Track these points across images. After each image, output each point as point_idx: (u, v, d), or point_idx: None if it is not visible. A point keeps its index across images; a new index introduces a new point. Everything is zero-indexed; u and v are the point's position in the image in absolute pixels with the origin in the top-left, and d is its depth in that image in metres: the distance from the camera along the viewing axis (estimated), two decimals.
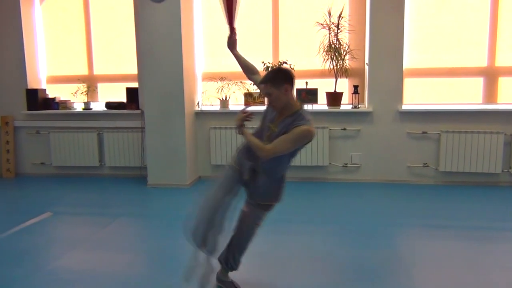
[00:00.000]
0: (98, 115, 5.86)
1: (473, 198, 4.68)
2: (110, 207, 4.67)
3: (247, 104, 5.56)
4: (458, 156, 5.10)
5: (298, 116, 2.44)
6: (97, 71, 6.05)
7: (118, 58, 5.96)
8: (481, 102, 5.28)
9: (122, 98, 5.82)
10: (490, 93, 5.26)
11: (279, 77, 2.44)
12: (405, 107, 5.22)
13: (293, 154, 2.49)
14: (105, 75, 6.05)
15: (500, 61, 5.18)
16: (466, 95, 5.31)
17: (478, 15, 5.17)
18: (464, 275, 2.87)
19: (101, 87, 6.09)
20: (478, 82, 5.27)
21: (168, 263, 3.16)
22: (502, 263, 3.06)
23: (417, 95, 5.35)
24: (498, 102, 5.24)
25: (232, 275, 2.74)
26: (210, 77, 5.67)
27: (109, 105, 5.79)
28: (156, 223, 4.10)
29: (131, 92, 5.72)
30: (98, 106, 5.99)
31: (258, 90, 5.42)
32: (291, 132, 2.34)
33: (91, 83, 6.01)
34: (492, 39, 5.17)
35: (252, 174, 2.56)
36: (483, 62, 5.21)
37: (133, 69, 5.83)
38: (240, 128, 2.49)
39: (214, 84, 5.63)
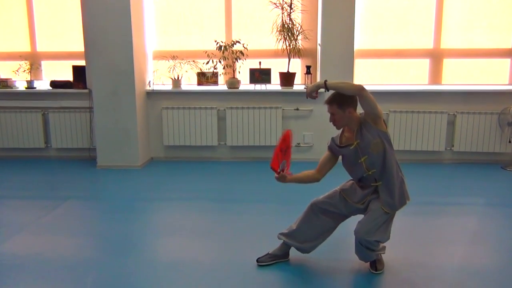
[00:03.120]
0: (42, 95, 5.59)
1: (418, 175, 4.89)
2: (57, 190, 4.50)
3: (199, 83, 5.48)
4: (405, 135, 5.30)
5: (365, 123, 2.49)
6: (40, 47, 5.74)
7: (63, 34, 5.67)
8: (427, 83, 5.49)
9: (68, 76, 5.57)
10: (436, 74, 5.47)
11: (346, 101, 2.47)
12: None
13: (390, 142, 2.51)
14: (49, 52, 5.75)
15: (445, 43, 5.39)
16: (413, 76, 5.50)
17: None
18: (408, 249, 3.01)
19: (45, 64, 5.80)
20: (425, 64, 5.47)
21: (118, 246, 3.10)
22: (444, 236, 3.24)
23: (367, 76, 5.48)
24: (442, 83, 5.47)
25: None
26: (161, 56, 5.52)
27: (54, 84, 5.53)
28: (106, 206, 4.01)
29: (77, 71, 5.48)
30: (43, 85, 5.70)
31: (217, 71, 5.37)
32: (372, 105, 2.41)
33: (34, 60, 5.69)
34: (438, 22, 5.35)
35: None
36: (429, 44, 5.40)
37: (79, 46, 5.57)
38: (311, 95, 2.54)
39: (165, 63, 5.50)
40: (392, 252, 2.79)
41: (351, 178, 2.71)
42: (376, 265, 2.67)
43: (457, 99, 5.31)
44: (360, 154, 2.50)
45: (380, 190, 2.53)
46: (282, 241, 2.80)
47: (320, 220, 2.69)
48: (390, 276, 2.63)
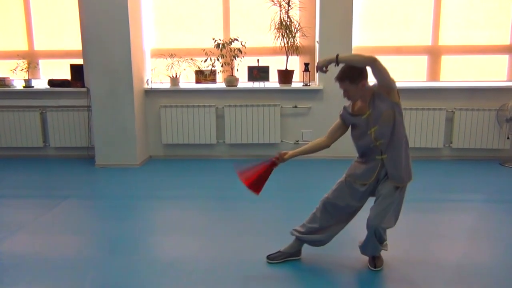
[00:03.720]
0: (40, 93, 5.57)
1: (417, 172, 4.86)
2: (56, 189, 4.49)
3: (197, 81, 5.48)
4: None
5: (378, 93, 2.48)
6: (38, 46, 5.72)
7: (61, 33, 5.66)
8: (425, 79, 5.48)
9: (66, 75, 5.56)
10: (434, 71, 5.47)
11: (357, 75, 2.44)
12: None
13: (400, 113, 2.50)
14: (47, 50, 5.73)
15: (443, 40, 5.38)
16: (412, 73, 5.50)
17: None
18: (407, 246, 3.02)
19: (42, 63, 5.78)
20: (423, 60, 5.46)
21: (117, 244, 3.09)
22: (443, 233, 3.24)
23: None
24: (440, 79, 5.46)
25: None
26: (159, 54, 5.51)
27: (52, 82, 5.52)
28: (105, 204, 4.00)
29: (75, 69, 5.47)
30: (40, 83, 5.69)
31: (212, 68, 5.36)
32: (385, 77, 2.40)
33: (31, 59, 5.68)
34: (436, 19, 5.35)
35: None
36: (427, 41, 5.40)
37: (77, 45, 5.55)
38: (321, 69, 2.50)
39: (163, 61, 5.49)
40: (391, 249, 2.79)
41: (355, 159, 2.67)
42: (375, 262, 2.67)
43: (455, 95, 5.31)
44: (371, 124, 2.48)
45: (386, 163, 2.50)
46: (294, 238, 2.78)
47: (334, 215, 2.66)
48: (389, 272, 2.63)
